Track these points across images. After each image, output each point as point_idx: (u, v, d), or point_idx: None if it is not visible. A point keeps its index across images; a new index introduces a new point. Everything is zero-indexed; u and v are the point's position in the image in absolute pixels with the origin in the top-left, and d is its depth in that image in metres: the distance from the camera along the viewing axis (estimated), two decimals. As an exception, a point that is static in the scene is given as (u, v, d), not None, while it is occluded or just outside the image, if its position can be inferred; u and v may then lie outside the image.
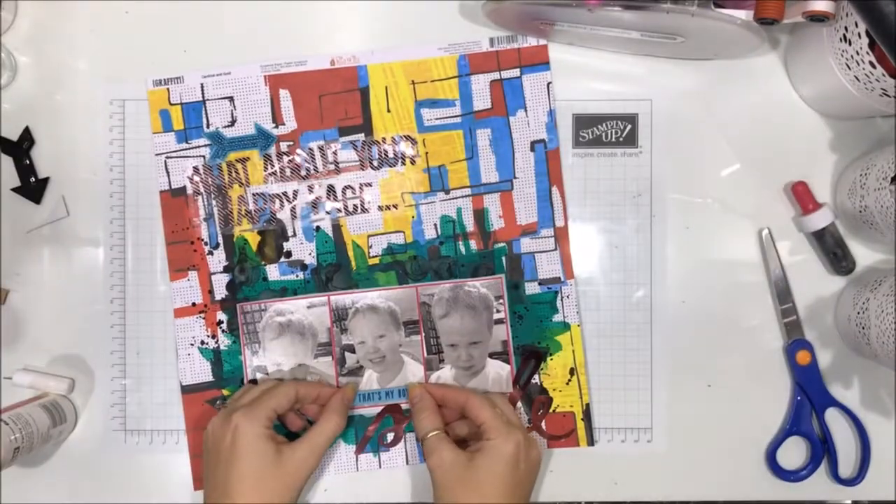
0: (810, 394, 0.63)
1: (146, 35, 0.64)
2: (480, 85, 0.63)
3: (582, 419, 0.64)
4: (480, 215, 0.64)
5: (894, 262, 0.64)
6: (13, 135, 0.64)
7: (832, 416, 0.64)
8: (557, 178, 0.64)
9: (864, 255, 0.64)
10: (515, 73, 0.63)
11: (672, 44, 0.58)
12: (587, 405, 0.64)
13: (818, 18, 0.52)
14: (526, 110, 0.63)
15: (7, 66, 0.63)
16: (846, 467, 0.64)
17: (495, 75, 0.63)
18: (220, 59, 0.63)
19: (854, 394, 0.64)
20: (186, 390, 0.64)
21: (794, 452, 0.64)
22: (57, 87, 0.64)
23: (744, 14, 0.53)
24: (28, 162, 0.64)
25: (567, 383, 0.64)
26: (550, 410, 0.64)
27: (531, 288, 0.64)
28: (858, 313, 0.60)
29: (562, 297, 0.64)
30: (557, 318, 0.64)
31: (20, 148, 0.63)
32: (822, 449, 0.64)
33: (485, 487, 0.55)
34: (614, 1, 0.53)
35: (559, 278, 0.64)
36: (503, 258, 0.64)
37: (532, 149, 0.64)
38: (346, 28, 0.64)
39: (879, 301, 0.58)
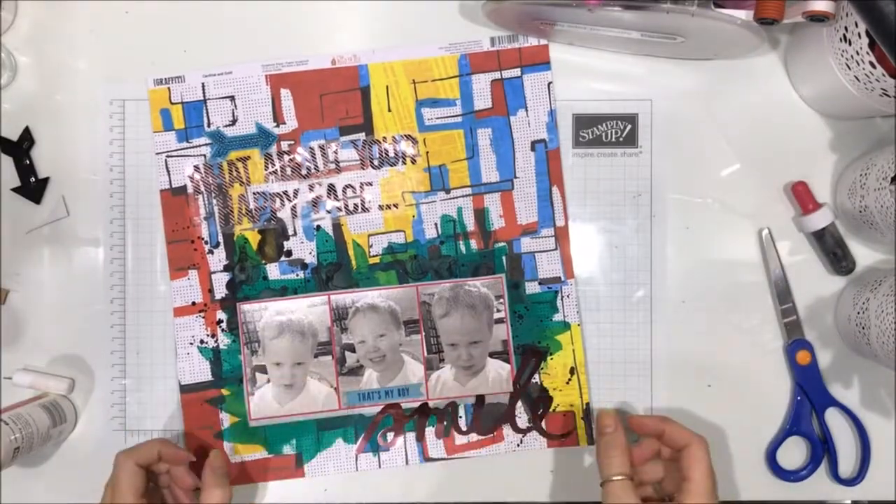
0: (810, 394, 0.63)
1: (146, 35, 0.64)
2: (481, 84, 0.63)
3: (582, 418, 0.64)
4: (481, 215, 0.64)
5: (894, 262, 0.64)
6: (13, 135, 0.64)
7: (832, 416, 0.64)
8: (558, 178, 0.64)
9: (864, 255, 0.64)
10: (516, 72, 0.63)
11: (672, 44, 0.58)
12: (587, 404, 0.64)
13: (818, 18, 0.52)
14: (527, 110, 0.64)
15: (7, 66, 0.63)
16: (846, 467, 0.64)
17: (496, 75, 0.63)
18: (220, 58, 0.63)
19: (854, 394, 0.64)
20: (185, 390, 0.64)
21: (794, 452, 0.64)
22: (57, 87, 0.64)
23: (744, 14, 0.53)
24: (28, 162, 0.64)
25: (567, 383, 0.64)
26: (550, 410, 0.64)
27: (531, 287, 0.64)
28: (858, 313, 0.60)
29: (562, 297, 0.64)
30: (557, 317, 0.64)
31: (20, 148, 0.63)
32: (822, 449, 0.64)
33: None
34: (614, 1, 0.53)
35: (559, 278, 0.64)
36: (503, 258, 0.64)
37: (532, 148, 0.64)
38: (346, 27, 0.64)
39: (879, 301, 0.58)
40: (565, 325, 0.64)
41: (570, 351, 0.64)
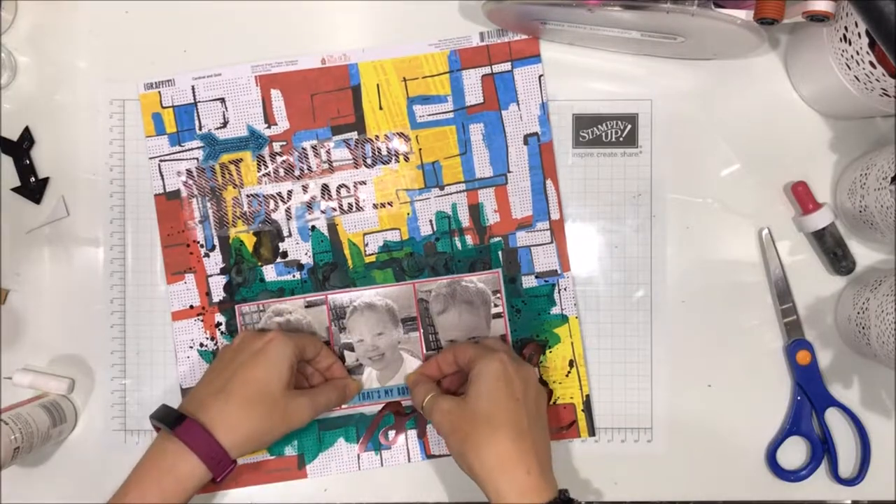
0: (810, 394, 0.63)
1: (146, 35, 0.64)
2: (472, 80, 0.63)
3: (582, 410, 0.64)
4: (475, 210, 0.64)
5: (894, 262, 0.64)
6: (13, 135, 0.64)
7: (832, 416, 0.64)
8: (551, 172, 0.64)
9: (864, 255, 0.64)
10: (506, 66, 0.63)
11: (672, 44, 0.58)
12: (587, 396, 0.64)
13: (818, 18, 0.52)
14: (518, 104, 0.63)
15: (7, 66, 0.63)
16: (846, 467, 0.64)
17: (486, 70, 0.63)
18: (220, 58, 0.63)
19: (854, 394, 0.64)
20: (186, 393, 0.64)
21: (794, 452, 0.64)
22: (57, 87, 0.64)
23: (744, 14, 0.53)
24: (28, 162, 0.64)
25: (567, 375, 0.64)
26: (551, 403, 0.64)
27: (528, 281, 0.64)
28: (858, 313, 0.60)
29: (559, 290, 0.64)
30: (555, 310, 0.64)
31: (20, 148, 0.63)
32: (822, 449, 0.64)
33: (487, 410, 0.54)
34: (614, 1, 0.53)
35: (556, 271, 0.64)
36: (499, 252, 0.64)
37: (525, 142, 0.64)
38: (336, 27, 0.64)
39: (879, 301, 0.58)
40: (563, 318, 0.64)
41: (569, 343, 0.64)
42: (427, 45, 0.63)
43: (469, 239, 0.64)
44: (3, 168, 0.64)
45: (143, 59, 0.64)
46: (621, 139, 0.64)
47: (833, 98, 0.60)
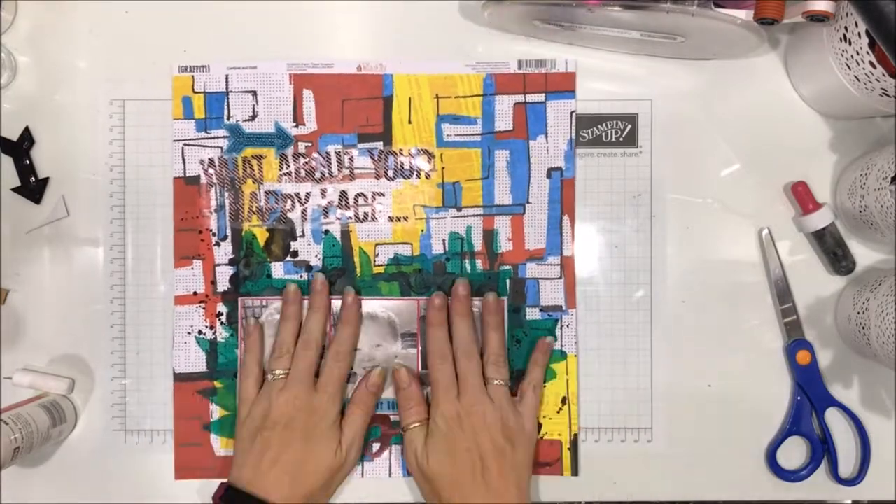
0: (810, 394, 0.63)
1: (146, 35, 0.64)
2: (504, 106, 0.63)
3: (569, 448, 0.63)
4: (489, 236, 0.63)
5: (894, 262, 0.64)
6: (13, 135, 0.64)
7: (832, 416, 0.64)
8: (570, 208, 0.63)
9: (864, 255, 0.64)
10: (540, 97, 0.63)
11: (672, 44, 0.58)
12: (575, 435, 0.63)
13: (818, 18, 0.52)
14: (546, 136, 0.63)
15: (7, 66, 0.63)
16: (846, 467, 0.64)
17: (520, 98, 0.63)
18: (220, 59, 0.63)
19: (854, 394, 0.64)
20: (178, 378, 0.63)
21: (794, 452, 0.64)
22: (57, 87, 0.64)
23: (744, 14, 0.53)
24: (28, 162, 0.64)
25: (558, 412, 0.63)
26: (539, 437, 0.63)
27: (532, 313, 0.63)
28: (858, 313, 0.60)
29: (561, 326, 0.63)
30: (555, 346, 0.63)
31: (20, 148, 0.63)
32: (822, 449, 0.64)
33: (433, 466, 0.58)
34: (614, 1, 0.53)
35: (561, 307, 0.63)
36: (507, 280, 0.63)
37: (548, 175, 0.63)
38: (337, 26, 0.64)
39: (879, 301, 0.58)
40: (562, 355, 0.63)
41: (564, 381, 0.63)
42: (464, 66, 0.63)
43: (479, 263, 0.63)
44: (3, 168, 0.64)
45: (144, 59, 0.64)
46: (621, 139, 0.64)
47: (833, 98, 0.60)
